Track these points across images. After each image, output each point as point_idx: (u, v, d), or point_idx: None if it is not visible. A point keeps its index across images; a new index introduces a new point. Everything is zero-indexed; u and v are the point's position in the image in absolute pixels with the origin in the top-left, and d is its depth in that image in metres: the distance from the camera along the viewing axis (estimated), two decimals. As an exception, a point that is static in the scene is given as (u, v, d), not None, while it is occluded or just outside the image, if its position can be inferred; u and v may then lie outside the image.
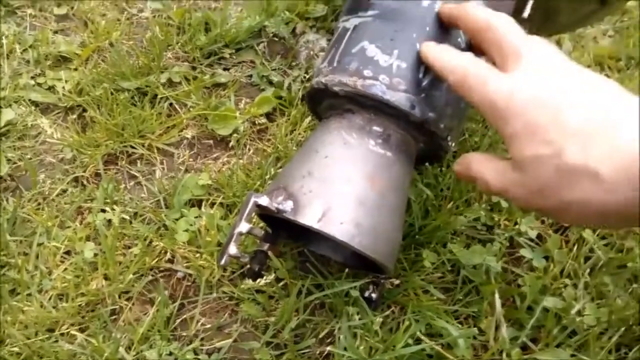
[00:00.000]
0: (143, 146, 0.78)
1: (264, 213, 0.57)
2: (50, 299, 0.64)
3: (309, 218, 0.53)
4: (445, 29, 0.56)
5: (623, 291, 0.67)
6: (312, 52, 0.88)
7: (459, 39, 0.57)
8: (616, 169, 0.36)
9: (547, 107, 0.40)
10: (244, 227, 0.54)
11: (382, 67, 0.56)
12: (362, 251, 0.53)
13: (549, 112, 0.40)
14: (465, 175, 0.50)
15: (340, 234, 0.53)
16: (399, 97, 0.56)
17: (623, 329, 0.62)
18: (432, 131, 0.59)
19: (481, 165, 0.47)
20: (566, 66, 0.43)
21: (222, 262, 0.54)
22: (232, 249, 0.54)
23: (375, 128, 0.58)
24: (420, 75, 0.56)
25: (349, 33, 0.60)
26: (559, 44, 0.97)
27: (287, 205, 0.54)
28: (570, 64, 0.43)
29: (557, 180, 0.39)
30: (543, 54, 0.44)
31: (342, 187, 0.55)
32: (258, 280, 0.60)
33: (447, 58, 0.50)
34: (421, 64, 0.56)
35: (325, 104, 0.63)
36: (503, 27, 0.47)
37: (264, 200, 0.54)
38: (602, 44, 0.97)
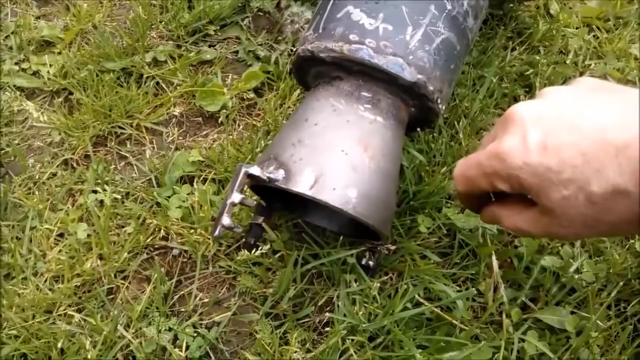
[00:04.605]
0: (131, 126, 0.77)
1: (256, 184, 0.57)
2: (45, 281, 0.64)
3: (301, 185, 0.53)
4: None
5: (620, 247, 0.67)
6: (297, 25, 0.87)
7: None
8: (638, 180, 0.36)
9: (547, 151, 0.39)
10: (236, 197, 0.54)
11: (368, 31, 0.56)
12: (355, 216, 0.53)
13: (550, 155, 0.39)
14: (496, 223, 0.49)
15: (333, 200, 0.52)
16: (387, 61, 0.55)
17: (621, 283, 0.62)
18: (422, 94, 0.58)
19: (513, 220, 0.46)
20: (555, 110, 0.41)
21: (216, 233, 0.54)
22: (226, 220, 0.54)
23: (364, 93, 0.58)
24: (408, 37, 0.56)
25: (332, -1, 0.60)
26: (546, 7, 0.96)
27: (279, 174, 0.53)
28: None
29: (593, 209, 0.39)
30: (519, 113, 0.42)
31: (333, 154, 0.54)
32: (254, 251, 0.60)
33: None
34: (408, 26, 0.56)
35: (312, 72, 0.63)
36: (493, 161, 0.43)
37: (255, 170, 0.53)
38: (589, 5, 0.96)
